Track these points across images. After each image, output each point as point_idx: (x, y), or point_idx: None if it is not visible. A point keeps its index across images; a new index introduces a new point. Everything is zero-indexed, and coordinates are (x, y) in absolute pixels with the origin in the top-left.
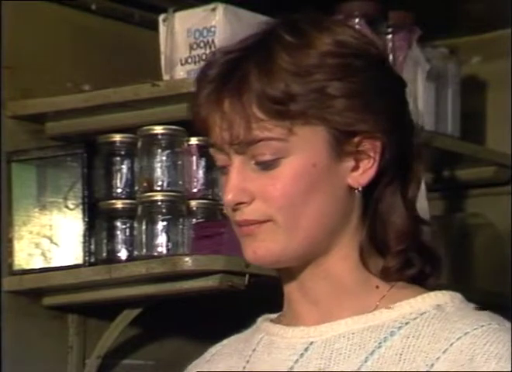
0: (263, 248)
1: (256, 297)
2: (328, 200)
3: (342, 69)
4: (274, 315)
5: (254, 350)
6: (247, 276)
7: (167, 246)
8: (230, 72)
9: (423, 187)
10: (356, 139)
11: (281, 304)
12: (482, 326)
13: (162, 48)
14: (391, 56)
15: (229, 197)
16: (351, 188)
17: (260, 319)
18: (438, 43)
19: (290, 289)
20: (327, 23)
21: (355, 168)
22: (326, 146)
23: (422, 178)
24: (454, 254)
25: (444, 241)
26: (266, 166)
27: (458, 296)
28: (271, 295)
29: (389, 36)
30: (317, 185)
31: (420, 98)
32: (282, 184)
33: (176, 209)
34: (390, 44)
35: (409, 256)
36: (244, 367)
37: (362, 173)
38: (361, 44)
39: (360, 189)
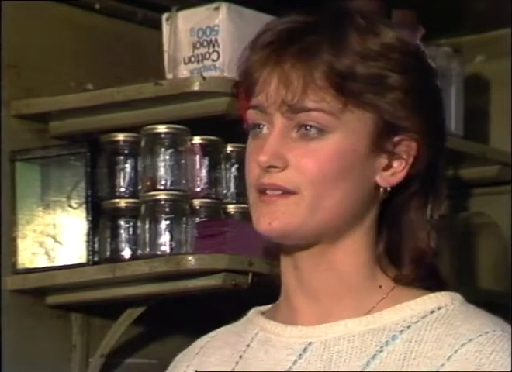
0: (281, 221)
1: (259, 295)
2: (355, 189)
3: (402, 64)
4: (265, 308)
5: (248, 346)
6: (251, 275)
7: (170, 245)
8: (292, 39)
9: None
10: (396, 139)
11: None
12: (487, 333)
13: (165, 47)
14: None
15: (264, 158)
16: (376, 186)
17: (251, 312)
18: (442, 41)
19: (289, 281)
20: (390, 22)
21: (387, 168)
22: (370, 136)
23: (443, 198)
24: (458, 253)
25: (448, 240)
26: (309, 137)
27: (457, 297)
28: (275, 294)
29: None
30: (351, 171)
31: None
32: (319, 159)
33: (179, 208)
34: None
35: (423, 273)
36: (237, 362)
37: (392, 174)
38: (414, 47)
39: (388, 189)
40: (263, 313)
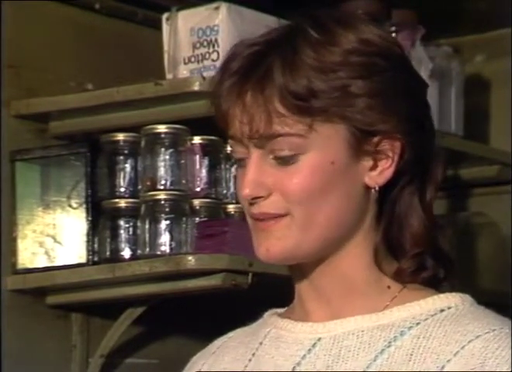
0: (277, 246)
1: (259, 296)
2: (344, 198)
3: (366, 68)
4: (281, 310)
5: (260, 343)
6: (251, 275)
7: (170, 245)
8: (253, 65)
9: None
10: (375, 139)
11: (285, 302)
12: (494, 330)
13: (165, 47)
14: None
15: (246, 191)
16: (367, 187)
17: (267, 313)
18: (442, 41)
19: (301, 286)
20: (353, 21)
21: (373, 167)
22: (346, 145)
23: (440, 182)
24: (458, 253)
25: (447, 239)
26: (284, 161)
27: (468, 298)
28: (275, 294)
29: (393, 35)
30: (334, 183)
31: None
32: (300, 179)
33: (179, 208)
34: None
35: (424, 260)
36: (250, 360)
37: (380, 173)
38: (385, 43)
39: (377, 188)
40: (278, 314)
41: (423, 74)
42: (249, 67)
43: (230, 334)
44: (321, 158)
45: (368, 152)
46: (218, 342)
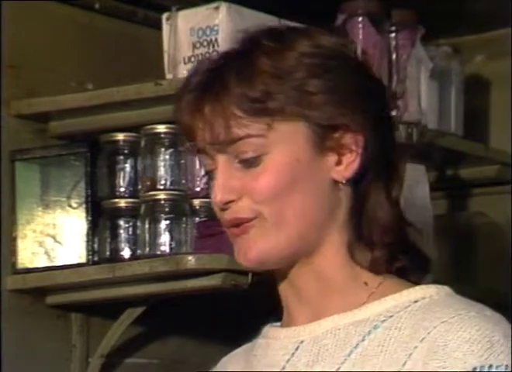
0: (254, 249)
1: (259, 296)
2: (313, 194)
3: (319, 67)
4: (278, 323)
5: (254, 356)
6: (250, 275)
7: (170, 244)
8: (210, 80)
9: (426, 185)
10: (337, 134)
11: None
12: (460, 314)
13: (165, 47)
14: (394, 55)
15: (218, 197)
16: (335, 182)
17: (264, 328)
18: (442, 41)
19: (283, 290)
20: (307, 29)
21: (338, 162)
22: (308, 141)
23: (404, 178)
24: (457, 253)
25: (447, 240)
26: (249, 163)
27: (445, 289)
28: (274, 294)
29: (393, 35)
30: (301, 179)
31: (423, 96)
32: (265, 179)
33: (179, 208)
34: (394, 43)
35: (395, 251)
36: None
37: (346, 167)
38: (336, 46)
39: (344, 182)
40: (272, 325)
41: (423, 74)
42: (206, 82)
43: (236, 351)
44: (285, 156)
45: (332, 147)
46: (224, 359)
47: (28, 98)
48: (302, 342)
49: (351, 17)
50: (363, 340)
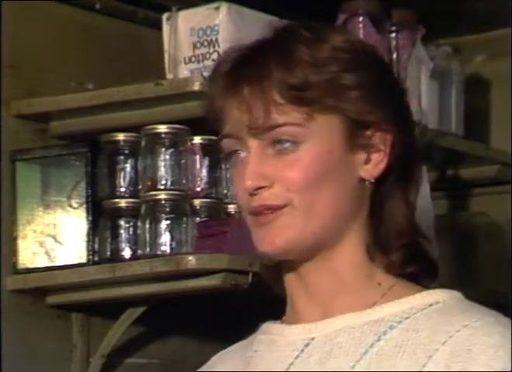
0: (282, 237)
1: (259, 295)
2: (342, 188)
3: (352, 63)
4: (277, 321)
5: (255, 351)
6: (251, 275)
7: (170, 244)
8: (247, 63)
9: (427, 185)
10: (368, 132)
11: (284, 302)
12: (481, 319)
13: (166, 47)
14: (395, 55)
15: (248, 182)
16: (362, 181)
17: (263, 325)
18: (442, 41)
19: (292, 286)
20: (337, 27)
21: (367, 161)
22: (341, 136)
23: (420, 184)
24: (457, 252)
25: (448, 240)
26: (284, 151)
27: (457, 294)
28: (275, 294)
29: (393, 35)
30: (332, 172)
31: (423, 96)
32: (301, 168)
33: (180, 208)
34: (394, 43)
35: (409, 254)
36: (245, 369)
37: (374, 166)
38: (365, 44)
39: (372, 181)
40: (273, 322)
41: (424, 74)
42: (243, 65)
43: (229, 348)
44: (320, 147)
45: (362, 145)
46: (215, 357)
47: (28, 98)
48: (312, 339)
49: (352, 17)
50: (379, 340)
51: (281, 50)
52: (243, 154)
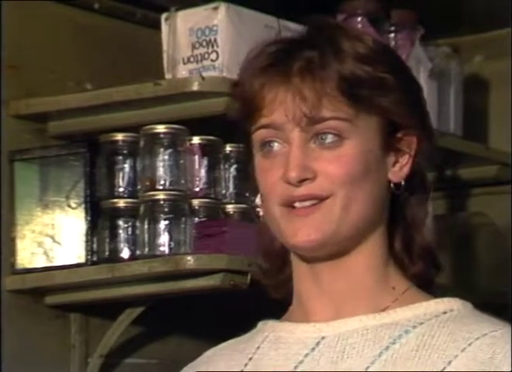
0: (319, 231)
1: (258, 296)
2: (377, 188)
3: (389, 65)
4: (276, 321)
5: (258, 348)
6: (250, 275)
7: (169, 245)
8: (295, 54)
9: None
10: (399, 135)
11: (284, 303)
12: (501, 329)
13: (164, 47)
14: None
15: (293, 173)
16: (389, 184)
17: (261, 323)
18: (441, 41)
19: (303, 285)
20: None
21: (395, 163)
22: (379, 136)
23: (430, 189)
24: (456, 253)
25: (447, 240)
26: (329, 145)
27: (468, 304)
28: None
29: (392, 35)
30: (370, 171)
31: None
32: (345, 163)
33: (178, 208)
34: (393, 43)
35: (413, 257)
36: (246, 364)
37: (400, 168)
38: (391, 48)
39: (400, 184)
40: (276, 321)
41: (423, 74)
42: (288, 59)
43: (222, 345)
44: (362, 145)
45: (393, 147)
46: (209, 352)
47: (27, 98)
48: (323, 338)
49: (351, 17)
50: (394, 343)
51: (328, 43)
52: (276, 146)
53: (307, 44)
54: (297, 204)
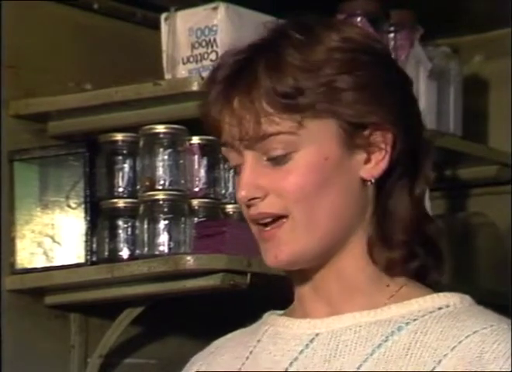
0: (285, 251)
1: (258, 296)
2: (342, 193)
3: (349, 63)
4: (281, 311)
5: (258, 341)
6: (249, 275)
7: (169, 245)
8: (238, 72)
9: None
10: (366, 132)
11: (284, 303)
12: (492, 326)
13: (164, 47)
14: (393, 55)
15: (242, 193)
16: (364, 181)
17: (266, 314)
18: (440, 41)
19: (301, 289)
20: (334, 22)
21: (367, 161)
22: (337, 139)
23: (430, 175)
24: (456, 253)
25: (446, 240)
26: (278, 161)
27: (467, 298)
28: (273, 294)
29: (391, 35)
30: (330, 178)
31: (422, 96)
32: (295, 178)
33: (178, 208)
34: (392, 43)
35: (413, 249)
36: (248, 357)
37: (375, 165)
38: (366, 40)
39: (373, 181)
40: (278, 314)
41: (422, 74)
42: (235, 74)
43: (229, 335)
44: (314, 155)
45: (361, 145)
46: (217, 342)
47: (27, 98)
48: (317, 334)
49: (350, 17)
50: (386, 340)
51: (270, 57)
52: (239, 164)
53: (250, 59)
54: (261, 222)
